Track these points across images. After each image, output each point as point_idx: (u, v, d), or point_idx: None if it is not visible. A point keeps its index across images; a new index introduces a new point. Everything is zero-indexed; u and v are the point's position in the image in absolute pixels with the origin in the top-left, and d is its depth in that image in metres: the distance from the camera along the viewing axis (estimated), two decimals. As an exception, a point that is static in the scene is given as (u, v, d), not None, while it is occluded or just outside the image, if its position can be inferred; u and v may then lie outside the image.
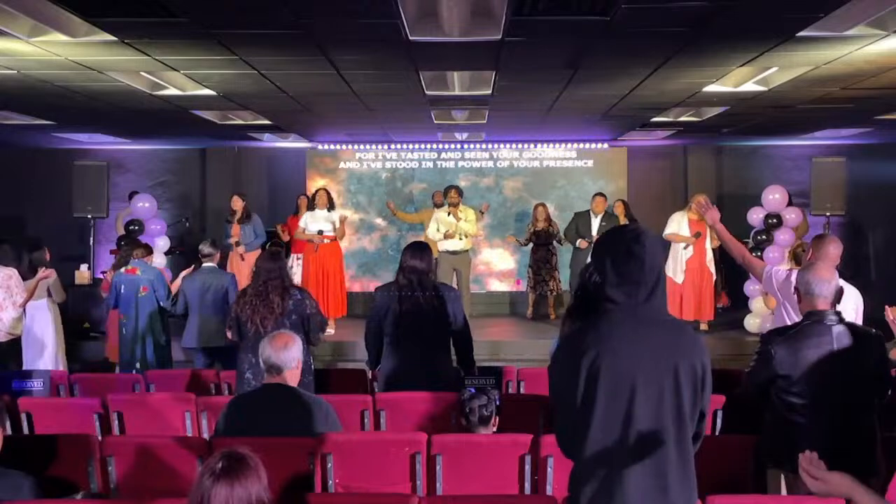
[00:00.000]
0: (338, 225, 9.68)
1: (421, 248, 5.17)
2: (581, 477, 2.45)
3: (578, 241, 10.31)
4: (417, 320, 4.98)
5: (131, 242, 8.86)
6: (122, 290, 7.21)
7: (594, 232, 10.27)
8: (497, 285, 12.44)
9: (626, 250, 2.48)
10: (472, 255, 10.65)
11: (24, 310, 7.27)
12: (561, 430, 2.56)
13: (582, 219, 10.52)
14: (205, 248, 7.10)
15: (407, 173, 12.52)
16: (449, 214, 9.99)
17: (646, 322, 2.47)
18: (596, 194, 10.71)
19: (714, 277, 9.81)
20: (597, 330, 2.47)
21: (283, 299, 5.21)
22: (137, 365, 7.11)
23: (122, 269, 7.37)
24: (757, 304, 9.72)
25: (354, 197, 12.42)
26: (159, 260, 10.40)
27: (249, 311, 5.22)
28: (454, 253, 9.99)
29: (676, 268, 9.66)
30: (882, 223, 12.12)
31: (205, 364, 6.87)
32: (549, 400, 2.62)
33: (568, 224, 10.68)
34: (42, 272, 7.38)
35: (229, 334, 5.49)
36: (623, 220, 10.75)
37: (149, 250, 7.67)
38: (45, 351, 7.81)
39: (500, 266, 12.46)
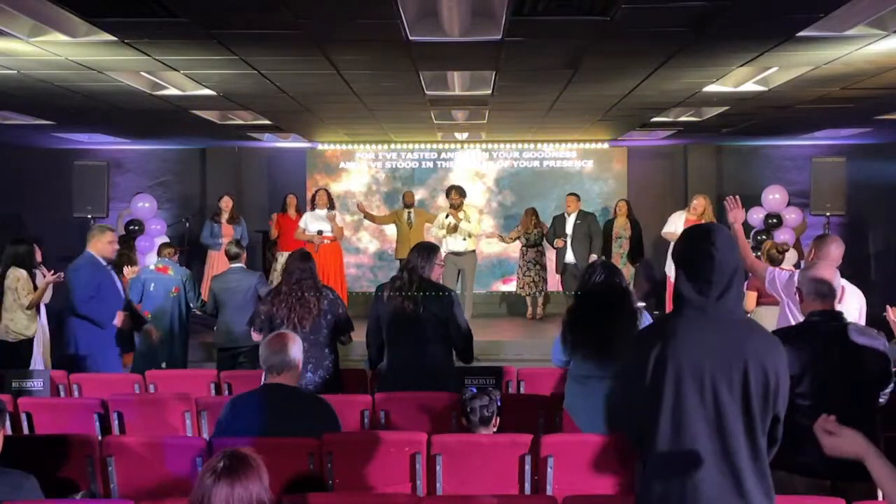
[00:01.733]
0: (337, 227, 9.72)
1: (424, 248, 5.14)
2: (652, 474, 2.46)
3: (555, 241, 10.61)
4: (407, 319, 4.95)
5: (125, 242, 8.87)
6: (151, 288, 7.22)
7: (568, 231, 10.52)
8: (498, 285, 12.44)
9: (697, 249, 2.52)
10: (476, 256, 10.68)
11: (40, 311, 7.25)
12: (632, 427, 2.57)
13: (558, 221, 10.86)
14: (231, 249, 7.11)
15: (407, 173, 12.52)
16: (447, 216, 9.98)
17: (715, 320, 2.48)
18: (568, 194, 11.00)
19: None
20: (665, 326, 2.52)
21: (318, 299, 5.20)
22: (163, 364, 7.11)
23: (152, 267, 7.38)
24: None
25: (354, 197, 12.42)
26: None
27: (286, 311, 5.17)
28: (459, 254, 10.02)
29: (673, 266, 9.68)
30: (882, 223, 12.11)
31: (231, 364, 6.85)
32: (621, 398, 2.65)
33: (548, 229, 10.94)
34: (51, 274, 7.37)
35: (255, 335, 5.39)
36: (625, 220, 10.80)
37: (175, 249, 7.69)
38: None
39: (500, 266, 12.46)
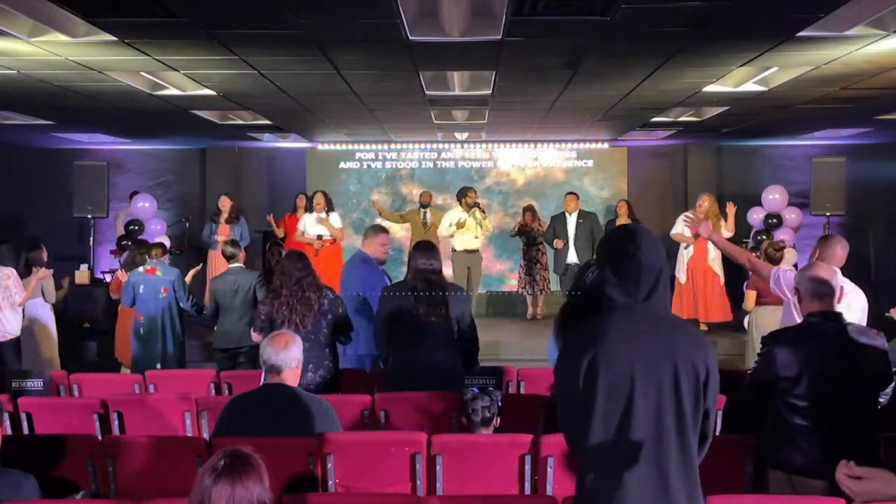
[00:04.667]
0: (332, 229, 9.75)
1: (430, 248, 5.15)
2: (585, 474, 2.47)
3: (555, 241, 10.50)
4: (417, 319, 4.94)
5: (142, 242, 8.85)
6: (141, 290, 7.18)
7: (570, 231, 10.47)
8: (497, 285, 12.44)
9: (623, 250, 2.52)
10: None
11: (23, 310, 7.24)
12: (566, 429, 2.58)
13: (558, 221, 10.74)
14: (227, 249, 7.05)
15: (407, 173, 12.52)
16: (472, 208, 10.09)
17: (644, 320, 2.49)
18: (567, 193, 10.93)
19: (721, 278, 9.80)
20: (595, 329, 2.51)
21: (319, 297, 5.16)
22: (158, 365, 7.07)
23: (141, 269, 7.32)
24: (757, 304, 9.71)
25: (355, 197, 12.42)
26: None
27: (287, 312, 5.12)
28: (470, 252, 10.12)
29: (679, 268, 9.71)
30: (882, 223, 12.11)
31: (230, 365, 6.80)
32: (555, 399, 2.64)
33: (546, 228, 10.85)
34: (41, 272, 7.36)
35: (255, 335, 5.32)
36: (626, 220, 10.78)
37: (164, 250, 7.64)
38: (37, 351, 7.77)
39: (500, 266, 12.47)
